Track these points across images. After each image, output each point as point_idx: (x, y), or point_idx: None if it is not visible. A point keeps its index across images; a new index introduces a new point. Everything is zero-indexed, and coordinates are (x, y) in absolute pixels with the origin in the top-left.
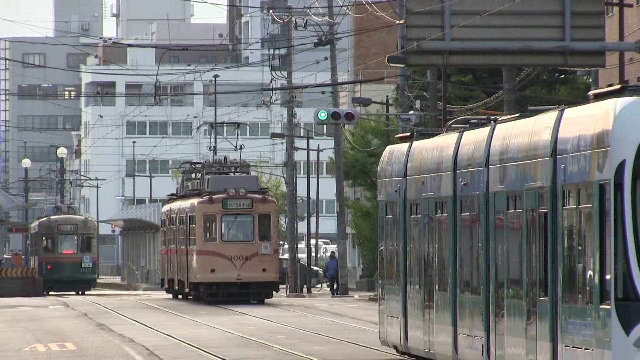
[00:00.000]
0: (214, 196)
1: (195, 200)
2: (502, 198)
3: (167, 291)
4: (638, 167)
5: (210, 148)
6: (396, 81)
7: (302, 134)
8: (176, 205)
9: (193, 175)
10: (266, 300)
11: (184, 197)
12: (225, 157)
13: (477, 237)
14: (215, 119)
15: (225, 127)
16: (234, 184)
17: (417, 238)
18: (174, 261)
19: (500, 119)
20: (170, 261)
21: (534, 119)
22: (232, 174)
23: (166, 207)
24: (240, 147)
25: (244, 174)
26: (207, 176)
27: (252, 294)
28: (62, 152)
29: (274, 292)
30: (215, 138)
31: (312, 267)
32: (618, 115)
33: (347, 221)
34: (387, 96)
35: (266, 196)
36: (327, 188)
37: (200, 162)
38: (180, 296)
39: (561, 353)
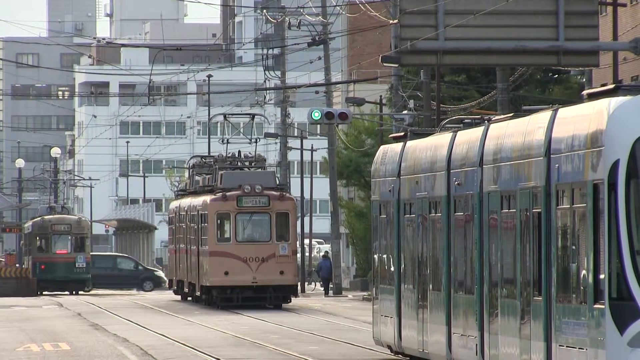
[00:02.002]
0: (228, 193)
1: (207, 197)
2: (496, 198)
3: (176, 293)
4: (632, 167)
5: (222, 141)
6: (390, 81)
7: (295, 134)
8: (186, 202)
9: (204, 170)
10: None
11: (195, 193)
12: (239, 151)
13: (471, 237)
14: (209, 118)
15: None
16: (249, 180)
17: (411, 238)
18: (183, 262)
19: (494, 118)
20: (179, 262)
21: (527, 118)
22: (247, 169)
23: (174, 204)
24: (256, 139)
25: (260, 169)
26: (220, 171)
27: (269, 298)
28: (55, 152)
29: (292, 297)
30: (209, 133)
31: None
32: (612, 115)
33: (341, 221)
34: (380, 96)
35: (284, 193)
36: (321, 188)
37: (212, 156)
38: (190, 298)
39: (555, 352)
